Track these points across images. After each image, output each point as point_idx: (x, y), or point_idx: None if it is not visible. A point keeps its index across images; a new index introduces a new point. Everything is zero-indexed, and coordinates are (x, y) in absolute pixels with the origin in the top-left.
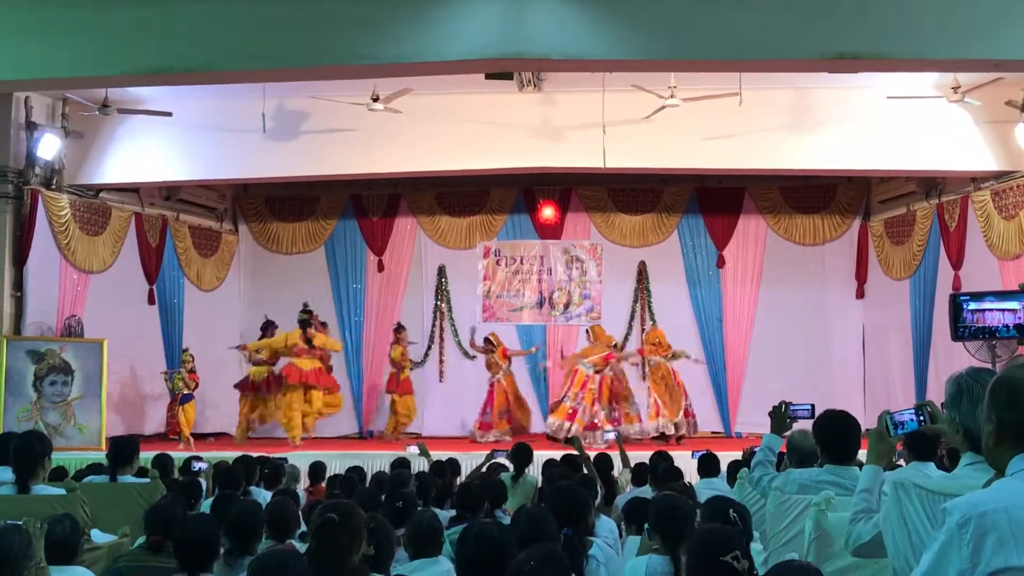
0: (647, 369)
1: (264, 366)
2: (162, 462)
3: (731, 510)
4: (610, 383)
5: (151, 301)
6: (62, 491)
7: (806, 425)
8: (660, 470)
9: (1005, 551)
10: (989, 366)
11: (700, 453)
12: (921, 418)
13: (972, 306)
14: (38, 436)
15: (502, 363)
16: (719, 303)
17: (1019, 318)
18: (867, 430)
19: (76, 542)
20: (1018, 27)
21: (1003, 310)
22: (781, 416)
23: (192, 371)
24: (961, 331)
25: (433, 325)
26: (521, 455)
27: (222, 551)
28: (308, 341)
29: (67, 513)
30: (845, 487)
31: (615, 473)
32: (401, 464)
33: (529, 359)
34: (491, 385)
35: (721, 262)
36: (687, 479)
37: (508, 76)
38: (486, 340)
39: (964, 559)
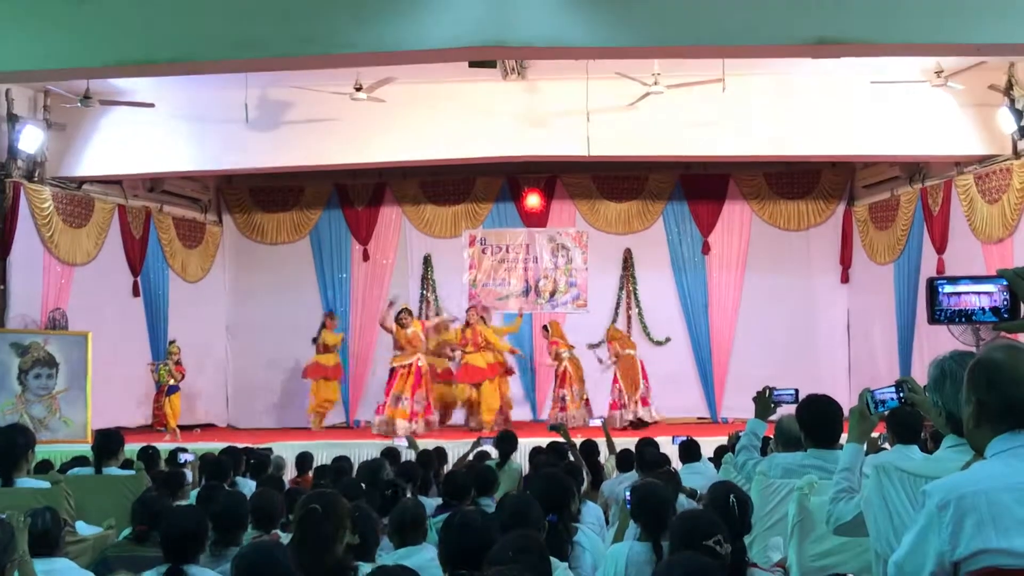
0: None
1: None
2: (148, 454)
3: (731, 495)
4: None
5: (136, 293)
6: (46, 484)
7: (790, 410)
8: (646, 456)
9: (984, 533)
10: (973, 349)
11: (681, 439)
12: (901, 395)
13: (948, 289)
14: (21, 429)
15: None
16: (704, 289)
17: (995, 301)
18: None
19: (57, 534)
20: (1000, 11)
21: (979, 293)
22: (765, 401)
23: (178, 363)
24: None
25: (419, 314)
26: (505, 443)
27: (208, 542)
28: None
29: (47, 506)
30: (828, 471)
31: (601, 459)
32: (389, 454)
33: (518, 347)
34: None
35: (706, 248)
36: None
37: (491, 64)
38: (405, 310)
39: (944, 541)
